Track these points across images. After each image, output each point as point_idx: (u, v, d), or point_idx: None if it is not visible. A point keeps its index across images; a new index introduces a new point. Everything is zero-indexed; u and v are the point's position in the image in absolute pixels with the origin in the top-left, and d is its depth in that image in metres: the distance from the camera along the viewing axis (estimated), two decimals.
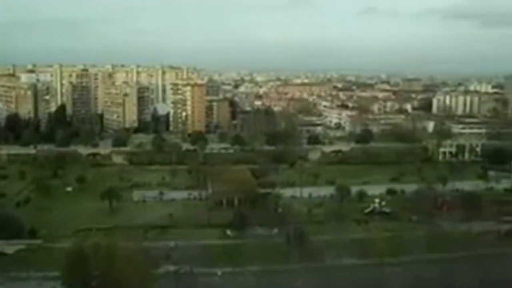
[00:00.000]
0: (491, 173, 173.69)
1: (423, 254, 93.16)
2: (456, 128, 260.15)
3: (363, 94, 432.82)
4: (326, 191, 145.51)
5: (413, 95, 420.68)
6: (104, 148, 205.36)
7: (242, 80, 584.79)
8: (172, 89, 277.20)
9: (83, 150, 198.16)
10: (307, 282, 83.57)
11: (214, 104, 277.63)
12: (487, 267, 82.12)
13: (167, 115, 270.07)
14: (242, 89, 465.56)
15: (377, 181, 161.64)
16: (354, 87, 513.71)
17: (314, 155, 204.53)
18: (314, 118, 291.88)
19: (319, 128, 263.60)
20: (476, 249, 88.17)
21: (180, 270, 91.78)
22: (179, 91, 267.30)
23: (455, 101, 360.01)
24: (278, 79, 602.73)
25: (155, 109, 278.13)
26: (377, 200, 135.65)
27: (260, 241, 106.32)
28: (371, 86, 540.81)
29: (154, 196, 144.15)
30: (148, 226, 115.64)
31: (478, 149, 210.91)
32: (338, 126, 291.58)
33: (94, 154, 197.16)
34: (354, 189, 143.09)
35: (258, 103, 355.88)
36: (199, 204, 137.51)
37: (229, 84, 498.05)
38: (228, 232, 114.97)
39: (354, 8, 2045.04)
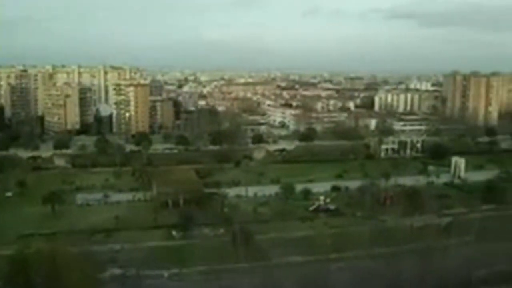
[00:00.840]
0: (431, 168, 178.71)
1: (367, 249, 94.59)
2: (397, 125, 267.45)
3: (307, 93, 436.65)
4: (271, 189, 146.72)
5: (356, 94, 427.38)
6: (46, 151, 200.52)
7: (186, 80, 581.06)
8: (114, 89, 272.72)
9: (23, 154, 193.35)
10: (253, 280, 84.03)
11: (158, 104, 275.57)
12: (429, 259, 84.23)
13: (110, 116, 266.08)
14: (186, 88, 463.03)
15: (321, 179, 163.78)
16: (297, 86, 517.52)
17: (258, 154, 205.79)
18: (258, 117, 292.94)
19: (263, 127, 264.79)
20: (418, 242, 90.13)
21: (126, 273, 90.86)
22: (122, 92, 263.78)
23: (396, 99, 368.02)
24: (222, 78, 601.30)
25: (97, 110, 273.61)
26: (321, 197, 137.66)
27: (206, 241, 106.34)
28: (314, 85, 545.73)
29: (98, 199, 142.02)
30: (92, 229, 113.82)
31: (418, 145, 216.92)
32: (282, 125, 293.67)
33: (35, 157, 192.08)
34: (299, 187, 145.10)
35: (202, 102, 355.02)
36: (144, 205, 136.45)
37: (172, 84, 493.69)
38: (174, 233, 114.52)
39: (298, 8, 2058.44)
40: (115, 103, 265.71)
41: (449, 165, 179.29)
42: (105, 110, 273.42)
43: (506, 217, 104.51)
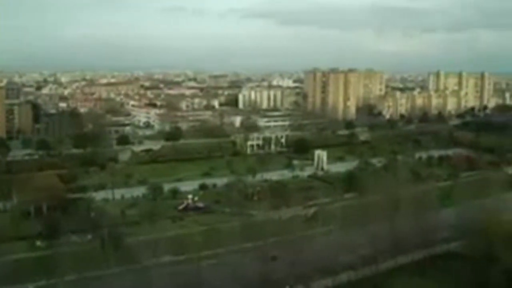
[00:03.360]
0: (295, 162, 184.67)
1: (237, 244, 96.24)
2: (261, 122, 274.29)
3: (171, 92, 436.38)
4: (138, 191, 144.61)
5: (220, 91, 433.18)
6: None
7: (45, 81, 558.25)
8: None
9: None
10: (125, 284, 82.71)
11: (15, 107, 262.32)
12: (297, 249, 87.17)
13: None
14: (45, 90, 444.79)
15: (189, 177, 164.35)
16: (161, 85, 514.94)
17: (124, 156, 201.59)
18: (122, 118, 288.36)
19: (128, 128, 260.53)
20: (286, 234, 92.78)
21: None
22: None
23: (260, 96, 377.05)
24: (84, 79, 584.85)
25: None
26: (190, 196, 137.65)
27: (73, 248, 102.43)
28: (178, 83, 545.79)
29: None
30: None
31: (283, 140, 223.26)
32: (147, 125, 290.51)
33: None
34: (167, 187, 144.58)
35: (63, 105, 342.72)
36: (3, 216, 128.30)
37: (31, 86, 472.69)
38: (38, 243, 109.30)
39: (161, 7, 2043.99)
40: None
41: (312, 158, 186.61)
42: None
43: (365, 205, 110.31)
